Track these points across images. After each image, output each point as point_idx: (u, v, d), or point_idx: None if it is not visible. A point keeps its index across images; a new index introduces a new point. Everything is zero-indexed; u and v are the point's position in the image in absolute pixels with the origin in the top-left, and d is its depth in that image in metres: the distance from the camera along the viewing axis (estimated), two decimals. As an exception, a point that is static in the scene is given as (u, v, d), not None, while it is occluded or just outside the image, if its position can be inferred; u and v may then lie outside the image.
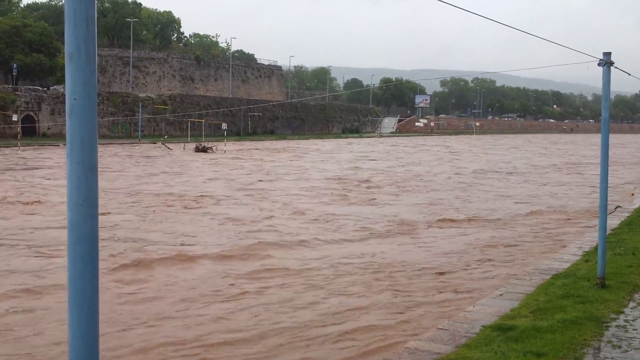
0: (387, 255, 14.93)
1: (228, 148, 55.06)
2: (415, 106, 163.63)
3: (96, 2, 2.59)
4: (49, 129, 63.11)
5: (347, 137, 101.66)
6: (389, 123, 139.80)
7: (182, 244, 15.39)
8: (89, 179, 2.53)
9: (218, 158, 45.43)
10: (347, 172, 36.90)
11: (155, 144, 59.15)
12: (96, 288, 2.56)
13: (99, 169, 2.60)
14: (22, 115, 58.96)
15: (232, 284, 12.08)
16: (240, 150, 56.61)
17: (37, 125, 62.01)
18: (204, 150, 50.88)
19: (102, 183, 26.60)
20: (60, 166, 35.81)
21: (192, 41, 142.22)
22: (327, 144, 75.05)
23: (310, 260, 14.11)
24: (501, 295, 9.70)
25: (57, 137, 61.00)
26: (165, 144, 56.03)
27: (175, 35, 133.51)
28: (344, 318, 10.10)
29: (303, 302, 10.99)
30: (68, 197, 2.54)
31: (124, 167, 37.49)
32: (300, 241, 16.28)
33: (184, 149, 54.06)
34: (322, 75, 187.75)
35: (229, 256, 14.38)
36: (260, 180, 31.05)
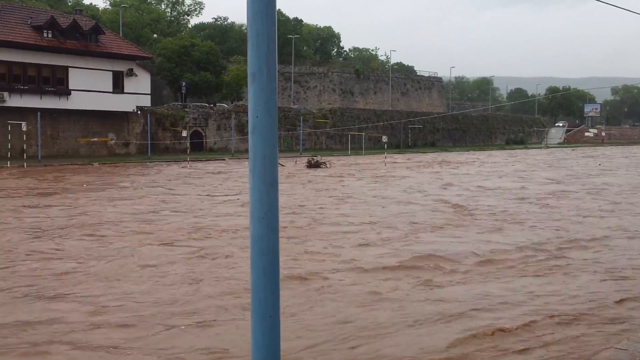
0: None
1: (389, 160, 54.20)
2: (585, 115, 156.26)
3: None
4: (215, 143, 66.37)
5: (511, 149, 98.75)
6: (556, 133, 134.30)
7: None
8: (270, 193, 2.63)
9: (328, 175, 39.25)
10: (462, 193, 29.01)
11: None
12: (277, 298, 2.65)
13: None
14: (191, 131, 62.21)
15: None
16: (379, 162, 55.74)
17: (204, 140, 65.29)
18: (317, 165, 45.97)
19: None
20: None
21: (352, 55, 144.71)
22: (483, 156, 72.87)
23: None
24: (686, 317, 8.99)
25: (222, 152, 63.93)
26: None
27: (335, 49, 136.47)
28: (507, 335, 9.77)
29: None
30: (250, 211, 2.65)
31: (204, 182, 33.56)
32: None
33: (296, 163, 49.57)
34: (484, 86, 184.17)
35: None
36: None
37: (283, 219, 17.87)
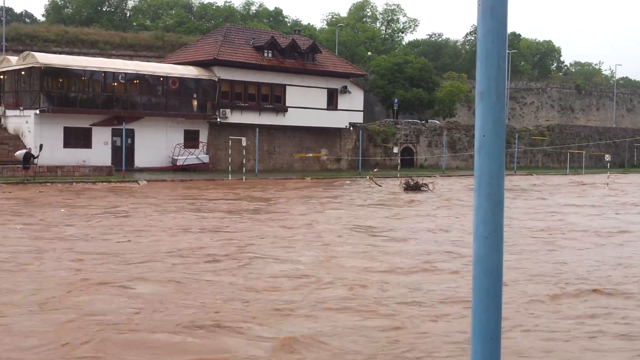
0: None
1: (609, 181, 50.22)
2: None
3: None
4: (425, 160, 66.04)
5: None
6: None
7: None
8: (496, 213, 2.59)
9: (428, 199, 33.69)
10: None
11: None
12: (499, 320, 2.60)
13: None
14: (402, 148, 62.42)
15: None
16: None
17: (415, 157, 65.19)
18: (417, 188, 39.66)
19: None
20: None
21: (573, 70, 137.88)
22: None
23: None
24: None
25: (433, 169, 63.23)
26: (374, 179, 45.13)
27: (555, 64, 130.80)
28: None
29: None
30: (474, 231, 2.64)
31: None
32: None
33: (400, 184, 41.92)
34: None
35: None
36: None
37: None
